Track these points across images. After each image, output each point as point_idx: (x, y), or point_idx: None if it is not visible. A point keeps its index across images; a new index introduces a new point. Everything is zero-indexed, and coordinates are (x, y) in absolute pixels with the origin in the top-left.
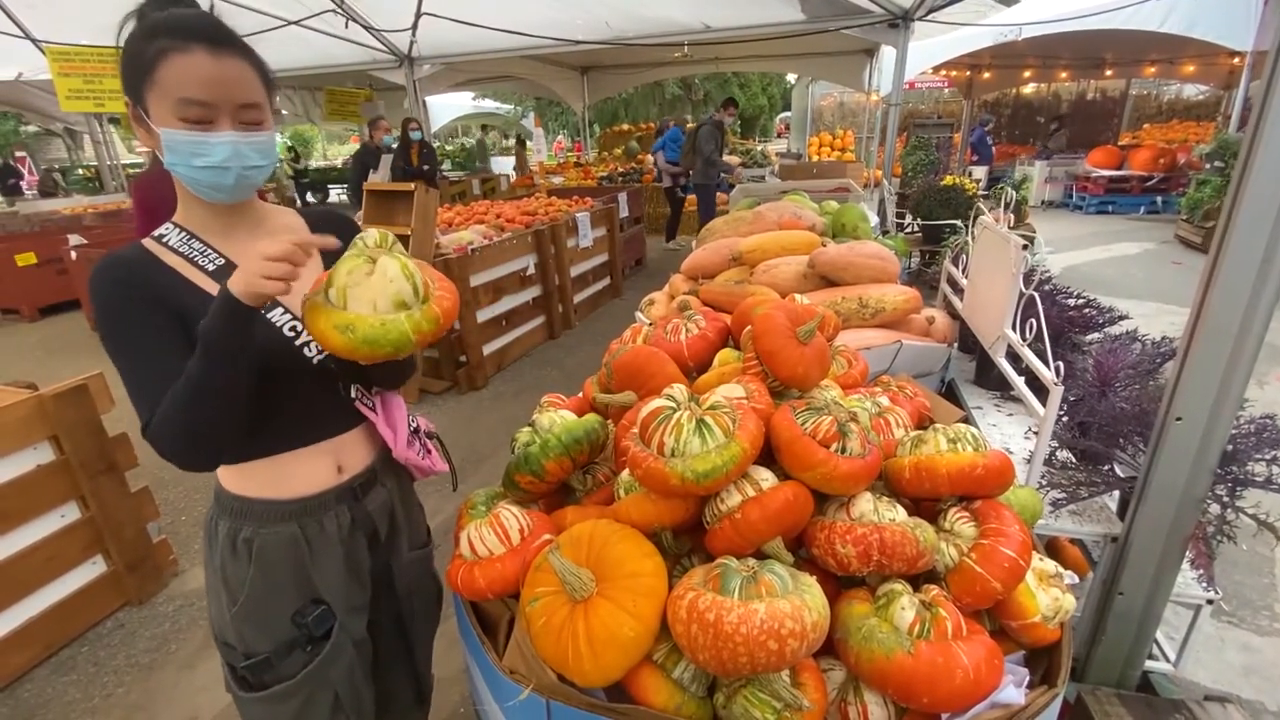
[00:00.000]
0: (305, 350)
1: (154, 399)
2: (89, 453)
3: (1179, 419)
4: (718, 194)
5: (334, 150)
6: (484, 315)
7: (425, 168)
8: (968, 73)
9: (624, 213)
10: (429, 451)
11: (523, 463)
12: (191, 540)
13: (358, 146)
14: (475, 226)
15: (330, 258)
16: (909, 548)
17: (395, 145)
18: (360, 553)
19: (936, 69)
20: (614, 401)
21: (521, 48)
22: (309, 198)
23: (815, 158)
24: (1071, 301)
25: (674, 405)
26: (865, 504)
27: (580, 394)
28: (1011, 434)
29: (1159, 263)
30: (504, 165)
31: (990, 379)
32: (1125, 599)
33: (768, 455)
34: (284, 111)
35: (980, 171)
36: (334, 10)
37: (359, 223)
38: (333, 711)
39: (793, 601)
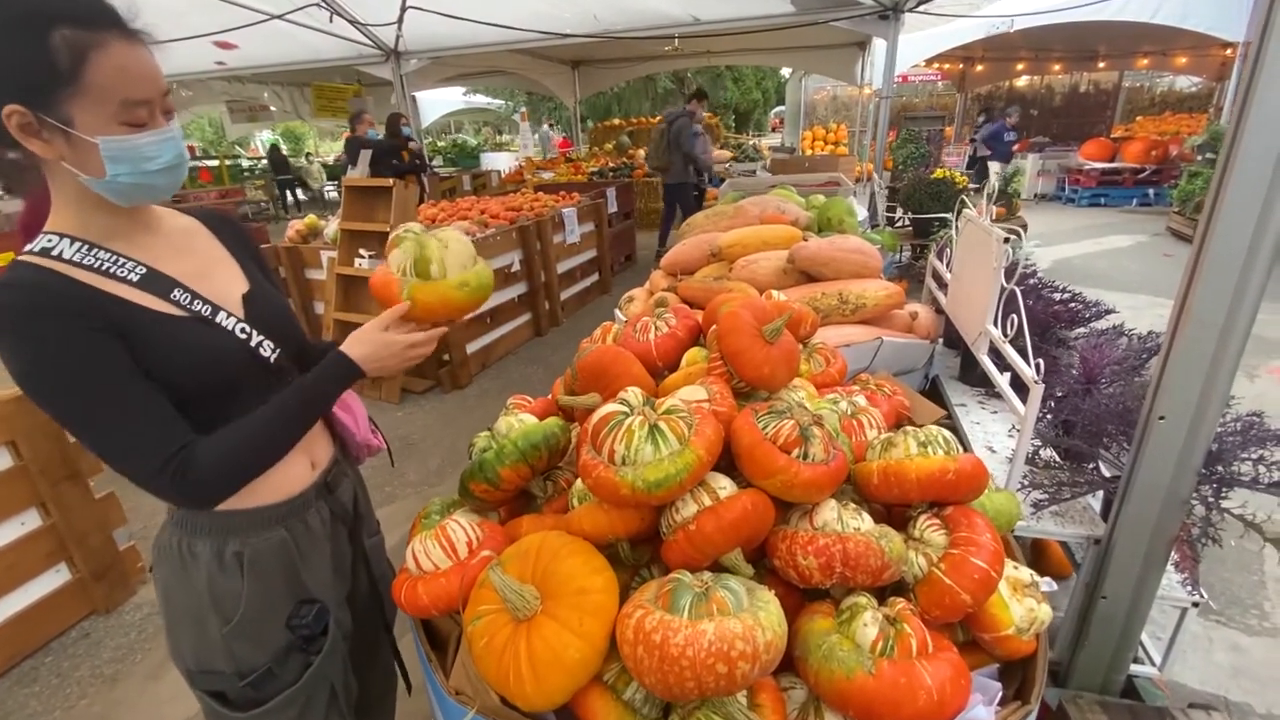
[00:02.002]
0: (261, 350)
1: (157, 441)
2: (49, 458)
3: (1162, 418)
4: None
5: (325, 147)
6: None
7: (416, 163)
8: (960, 65)
9: (613, 208)
10: (373, 431)
11: (477, 470)
12: None
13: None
14: (459, 223)
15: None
16: (874, 559)
17: (378, 139)
18: (342, 544)
19: (929, 62)
20: (577, 404)
21: (509, 41)
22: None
23: (809, 151)
24: (1058, 296)
25: (627, 410)
26: (829, 512)
27: (550, 395)
28: (995, 432)
29: (1151, 255)
30: (495, 161)
31: (975, 376)
32: (1108, 603)
33: (731, 462)
34: (273, 108)
35: (995, 170)
36: (318, 4)
37: (339, 218)
38: (328, 708)
39: (745, 621)
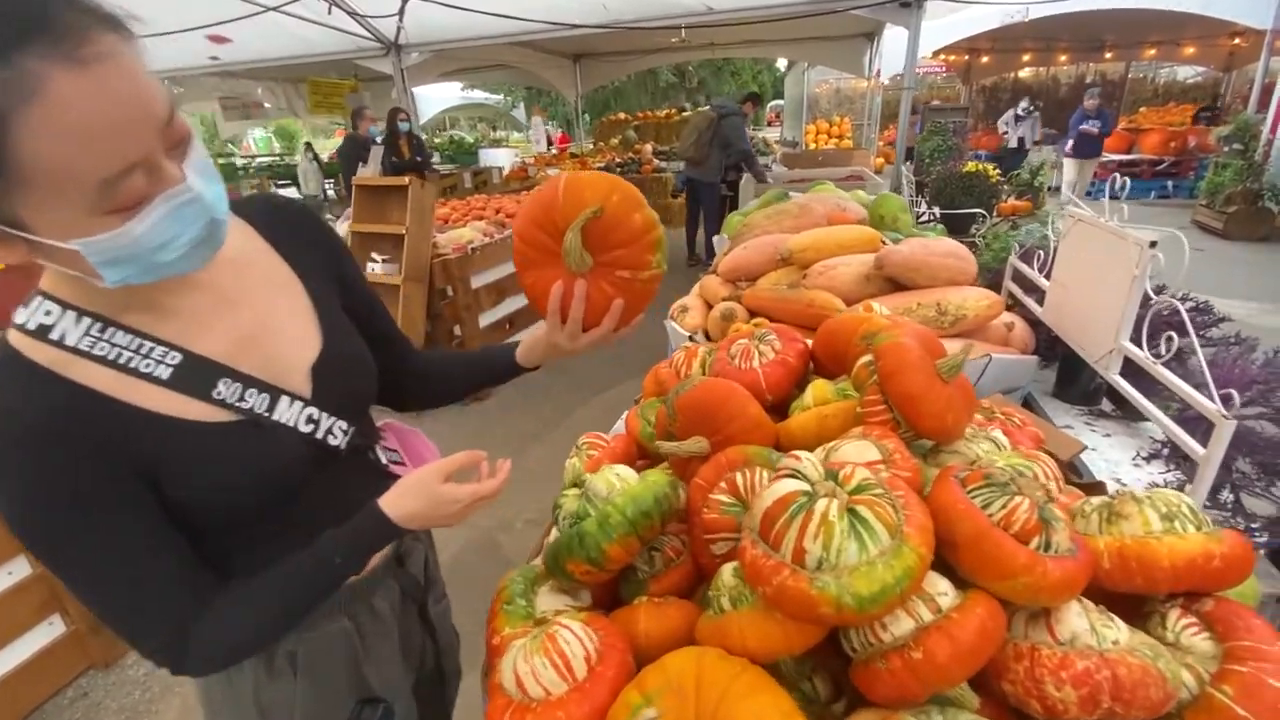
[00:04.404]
0: (330, 439)
1: (159, 610)
2: None
3: None
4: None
5: (319, 145)
6: (486, 319)
7: (418, 159)
8: (966, 56)
9: None
10: None
11: (576, 546)
12: None
13: (341, 140)
14: (474, 223)
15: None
16: (1154, 690)
17: (380, 138)
18: (412, 627)
19: (936, 54)
20: (681, 451)
21: (515, 33)
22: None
23: (813, 145)
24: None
25: (808, 489)
26: (1077, 621)
27: (623, 430)
28: (1117, 460)
29: (1180, 249)
30: (495, 158)
31: (1074, 392)
32: None
33: None
34: (267, 105)
35: (1073, 169)
36: None
37: (348, 219)
38: None
39: None
